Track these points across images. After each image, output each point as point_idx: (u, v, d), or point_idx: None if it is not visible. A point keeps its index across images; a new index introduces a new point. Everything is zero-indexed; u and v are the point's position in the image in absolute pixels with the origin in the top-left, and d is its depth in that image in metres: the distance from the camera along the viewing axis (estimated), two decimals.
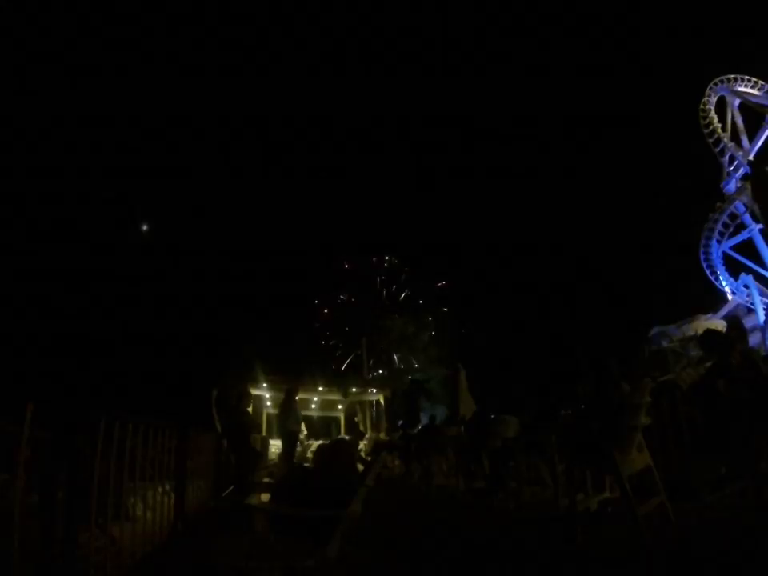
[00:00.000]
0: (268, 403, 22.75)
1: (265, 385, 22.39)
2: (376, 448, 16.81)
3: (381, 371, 37.40)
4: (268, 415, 22.24)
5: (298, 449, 15.48)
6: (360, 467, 12.14)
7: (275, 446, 16.66)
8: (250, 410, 9.59)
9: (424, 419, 19.06)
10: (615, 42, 61.87)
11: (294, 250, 52.27)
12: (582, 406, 5.72)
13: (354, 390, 27.12)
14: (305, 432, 18.45)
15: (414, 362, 38.78)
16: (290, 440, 13.21)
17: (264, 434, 19.84)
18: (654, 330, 29.70)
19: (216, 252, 43.53)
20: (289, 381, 19.23)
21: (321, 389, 26.04)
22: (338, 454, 10.03)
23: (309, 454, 15.62)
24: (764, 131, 29.77)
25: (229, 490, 7.67)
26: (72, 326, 28.29)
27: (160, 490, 4.71)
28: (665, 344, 27.14)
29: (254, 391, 21.77)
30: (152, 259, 37.95)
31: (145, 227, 40.75)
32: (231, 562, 3.72)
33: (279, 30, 73.00)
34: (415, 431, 13.11)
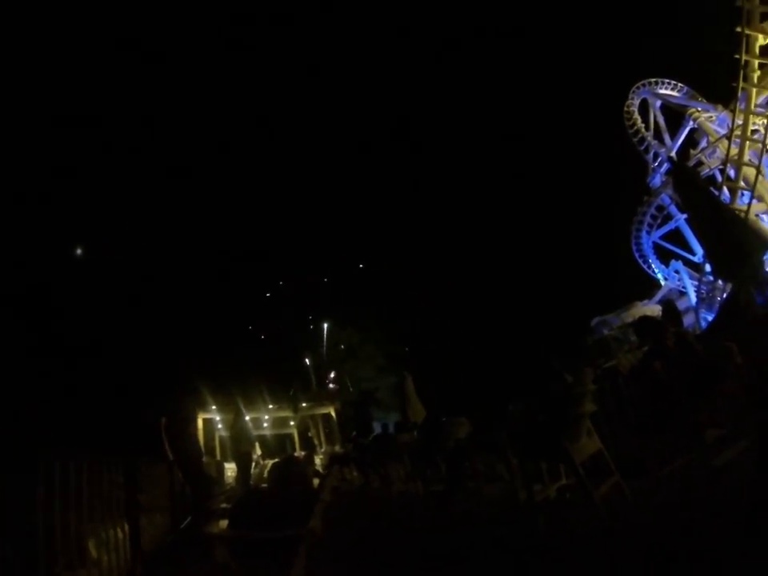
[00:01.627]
0: (219, 426, 22.30)
1: (214, 407, 21.92)
2: (330, 461, 16.71)
3: (330, 384, 37.12)
4: (221, 438, 21.78)
5: (255, 470, 15.22)
6: (317, 482, 12.02)
7: (231, 469, 16.33)
8: (201, 435, 9.36)
9: (377, 428, 19.05)
10: (533, 45, 63.68)
11: (233, 265, 50.90)
12: (530, 401, 5.86)
13: (304, 405, 26.91)
14: (259, 452, 18.13)
15: (362, 372, 38.72)
16: (243, 462, 12.95)
17: (219, 458, 19.40)
18: (595, 320, 30.89)
19: (154, 271, 41.92)
20: (237, 401, 18.86)
21: (271, 407, 25.72)
22: (290, 471, 9.90)
23: (266, 474, 15.36)
24: (684, 129, 31.52)
25: (187, 520, 7.44)
26: None
27: (113, 529, 4.49)
28: (606, 332, 28.12)
29: (205, 415, 21.31)
30: (94, 276, 36.17)
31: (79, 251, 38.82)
32: None
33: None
34: (368, 441, 13.09)
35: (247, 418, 14.18)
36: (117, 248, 42.19)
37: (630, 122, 32.91)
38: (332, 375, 37.72)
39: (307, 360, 38.25)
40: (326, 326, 41.84)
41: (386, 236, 58.85)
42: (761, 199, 23.23)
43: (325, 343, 41.03)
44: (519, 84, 63.04)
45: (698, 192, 8.66)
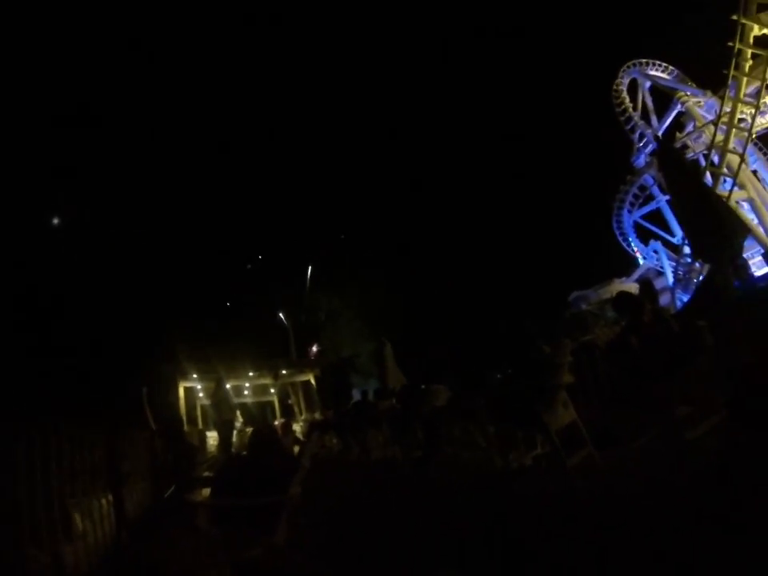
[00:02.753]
0: (200, 395, 22.24)
1: (195, 376, 21.85)
2: (310, 428, 16.84)
3: (309, 350, 37.12)
4: (202, 407, 21.76)
5: (237, 437, 15.31)
6: (297, 449, 12.14)
7: (213, 437, 16.38)
8: (182, 404, 9.39)
9: (356, 395, 19.18)
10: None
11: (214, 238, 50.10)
12: (509, 370, 5.97)
13: (284, 372, 26.92)
14: (240, 420, 18.18)
15: (342, 338, 38.71)
16: (225, 429, 13.06)
17: (200, 426, 19.43)
18: (573, 295, 31.37)
19: (129, 241, 41.35)
20: (218, 369, 18.83)
21: (251, 374, 25.70)
22: (267, 439, 10.00)
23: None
24: (671, 112, 31.62)
25: (170, 489, 7.51)
26: None
27: (97, 499, 4.54)
28: (583, 307, 28.54)
29: (185, 383, 21.27)
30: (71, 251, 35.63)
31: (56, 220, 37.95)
32: (179, 564, 3.67)
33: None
34: (348, 408, 13.21)
35: (228, 385, 14.20)
36: (107, 220, 41.37)
37: (618, 101, 32.73)
38: (314, 349, 37.67)
39: (286, 324, 38.09)
40: (306, 289, 41.64)
41: (367, 207, 58.26)
42: (742, 187, 23.62)
43: (304, 309, 40.89)
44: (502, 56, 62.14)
45: (681, 173, 8.68)
